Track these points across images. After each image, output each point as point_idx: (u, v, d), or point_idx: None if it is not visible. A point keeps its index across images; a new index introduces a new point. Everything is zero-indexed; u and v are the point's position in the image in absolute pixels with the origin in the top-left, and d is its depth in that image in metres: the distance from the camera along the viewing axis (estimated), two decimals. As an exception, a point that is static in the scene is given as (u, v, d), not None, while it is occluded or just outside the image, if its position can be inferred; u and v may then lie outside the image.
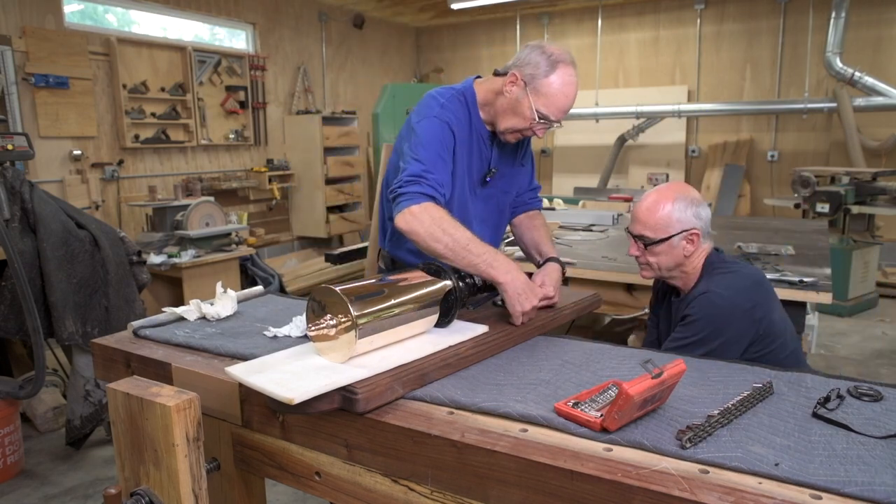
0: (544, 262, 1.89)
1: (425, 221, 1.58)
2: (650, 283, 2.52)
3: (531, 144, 2.09)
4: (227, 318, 1.72)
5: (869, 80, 6.19)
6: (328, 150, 7.05)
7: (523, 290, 1.58)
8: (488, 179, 1.93)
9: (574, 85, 1.74)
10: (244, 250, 4.98)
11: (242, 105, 6.71)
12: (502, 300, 1.61)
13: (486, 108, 1.85)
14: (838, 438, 1.04)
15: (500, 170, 1.96)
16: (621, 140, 7.66)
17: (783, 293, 2.19)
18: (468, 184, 1.90)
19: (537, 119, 1.74)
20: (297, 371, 1.20)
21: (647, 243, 1.79)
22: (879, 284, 5.90)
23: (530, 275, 1.73)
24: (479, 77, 1.93)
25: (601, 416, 1.07)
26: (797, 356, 1.84)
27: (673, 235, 1.75)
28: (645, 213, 1.79)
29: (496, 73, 1.84)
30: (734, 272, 1.79)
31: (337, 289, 1.23)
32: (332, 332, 1.23)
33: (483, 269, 1.56)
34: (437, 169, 1.69)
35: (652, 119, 7.42)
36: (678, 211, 1.75)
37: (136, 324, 1.63)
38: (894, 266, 6.34)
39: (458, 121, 1.80)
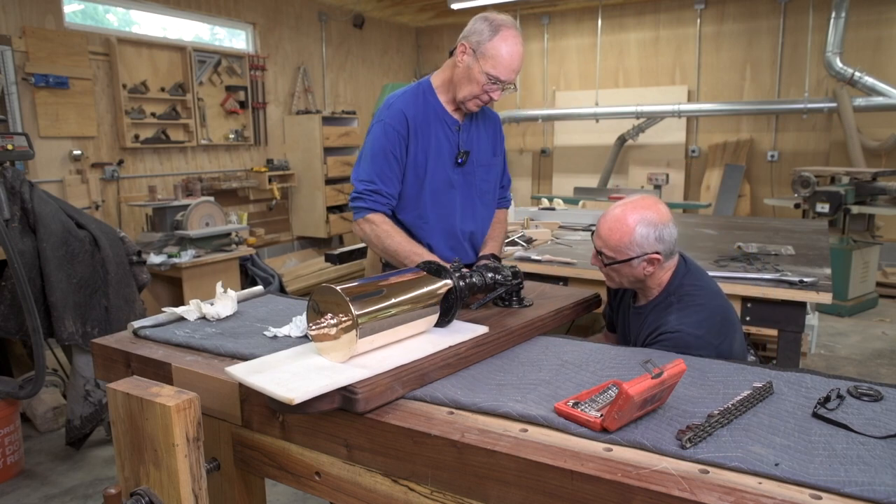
0: (480, 258, 2.01)
1: (367, 232, 1.94)
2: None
3: (504, 141, 2.19)
4: (227, 318, 1.72)
5: (869, 80, 6.20)
6: (328, 150, 7.05)
7: None
8: (460, 161, 2.00)
9: (518, 45, 1.85)
10: (244, 250, 4.98)
11: (242, 105, 6.71)
12: (519, 301, 1.71)
13: (445, 86, 1.97)
14: (838, 438, 1.04)
15: (473, 155, 2.03)
16: (621, 140, 7.66)
17: (783, 293, 2.20)
18: (443, 166, 1.98)
19: (488, 81, 1.84)
20: (297, 371, 1.20)
21: (606, 262, 1.76)
22: (879, 284, 5.90)
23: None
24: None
25: (601, 416, 1.07)
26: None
27: (633, 258, 1.70)
28: (607, 231, 1.74)
29: (451, 54, 1.96)
30: (704, 306, 1.72)
31: (338, 288, 1.24)
32: (333, 331, 1.24)
33: (414, 261, 1.79)
34: (383, 177, 1.91)
35: (652, 119, 7.42)
36: (639, 235, 1.68)
37: (136, 324, 1.63)
38: (894, 266, 6.34)
39: (414, 110, 1.93)
